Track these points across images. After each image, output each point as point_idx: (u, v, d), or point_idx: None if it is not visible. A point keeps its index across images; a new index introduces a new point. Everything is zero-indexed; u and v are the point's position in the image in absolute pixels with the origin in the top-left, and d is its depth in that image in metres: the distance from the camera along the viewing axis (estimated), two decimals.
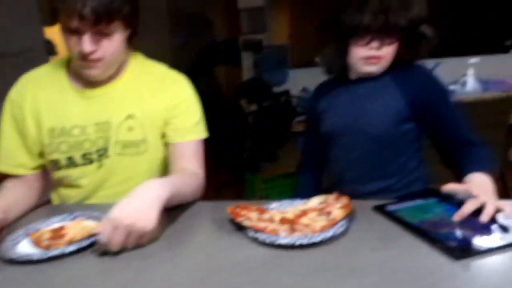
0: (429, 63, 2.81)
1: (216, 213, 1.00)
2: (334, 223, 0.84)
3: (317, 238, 0.79)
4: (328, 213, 0.87)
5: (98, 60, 1.00)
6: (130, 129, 1.10)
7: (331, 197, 0.94)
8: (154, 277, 0.73)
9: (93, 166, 1.11)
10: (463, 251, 0.71)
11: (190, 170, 1.09)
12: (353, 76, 1.18)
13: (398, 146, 1.13)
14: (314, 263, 0.74)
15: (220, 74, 5.53)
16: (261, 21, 4.22)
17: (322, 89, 1.28)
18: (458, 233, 0.78)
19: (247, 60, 4.17)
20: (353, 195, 0.94)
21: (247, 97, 3.16)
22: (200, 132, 1.16)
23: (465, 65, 2.50)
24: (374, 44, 1.03)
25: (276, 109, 3.07)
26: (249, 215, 0.90)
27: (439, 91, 1.10)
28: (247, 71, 4.24)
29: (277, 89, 3.37)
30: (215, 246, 0.84)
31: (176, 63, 4.95)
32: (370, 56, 1.05)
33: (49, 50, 4.23)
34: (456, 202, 0.86)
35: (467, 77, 2.39)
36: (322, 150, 1.27)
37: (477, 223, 0.79)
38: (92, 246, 0.84)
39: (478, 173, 0.93)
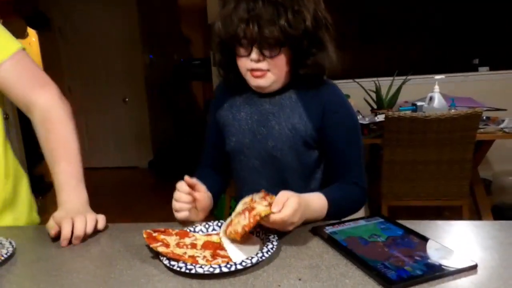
0: (397, 80, 2.85)
1: (138, 237, 0.87)
2: (256, 220, 0.74)
3: (239, 266, 0.68)
4: (252, 209, 0.76)
5: None
6: None
7: (257, 196, 0.82)
8: None
9: None
10: (400, 282, 0.61)
11: None
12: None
13: (300, 171, 1.05)
14: None
15: (197, 89, 5.47)
16: None
17: (226, 92, 1.14)
18: (393, 259, 0.68)
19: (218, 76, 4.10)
20: None
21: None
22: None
23: (433, 82, 2.48)
24: (253, 55, 0.93)
25: None
26: (167, 240, 0.78)
27: (348, 125, 1.02)
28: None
29: None
30: (121, 277, 0.72)
31: (148, 80, 4.89)
32: (253, 69, 0.96)
33: None
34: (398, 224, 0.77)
35: (434, 93, 2.36)
36: (222, 153, 1.15)
37: (410, 247, 0.70)
38: None
39: (321, 195, 0.90)
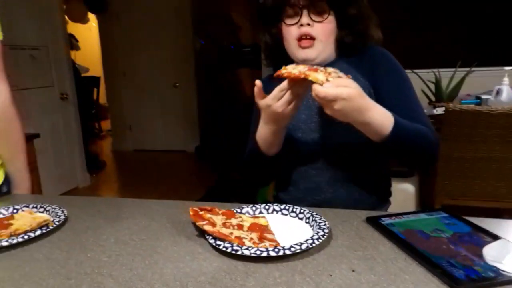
0: (460, 72, 2.65)
1: (185, 214, 0.86)
2: (302, 76, 0.74)
3: (288, 251, 0.64)
4: (311, 69, 0.75)
5: None
6: None
7: (329, 69, 0.76)
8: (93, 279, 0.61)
9: None
10: (468, 282, 0.54)
11: None
12: None
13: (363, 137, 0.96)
14: (276, 282, 0.59)
15: (245, 76, 5.47)
16: None
17: (272, 82, 1.11)
18: (460, 257, 0.61)
19: None
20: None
21: None
22: None
23: (500, 75, 2.27)
24: (304, 19, 0.94)
25: None
26: (214, 219, 0.76)
27: (399, 73, 0.98)
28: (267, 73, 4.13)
29: None
30: (166, 252, 0.70)
31: (198, 66, 4.95)
32: (302, 35, 0.94)
33: (71, 45, 4.30)
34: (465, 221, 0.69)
35: (502, 86, 2.16)
36: None
37: (480, 245, 0.62)
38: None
39: (388, 111, 0.81)
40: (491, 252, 0.61)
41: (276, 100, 0.82)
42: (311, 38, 0.94)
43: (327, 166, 1.00)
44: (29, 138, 2.49)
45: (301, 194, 1.03)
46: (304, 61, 0.97)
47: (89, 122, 5.33)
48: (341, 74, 0.76)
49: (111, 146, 5.72)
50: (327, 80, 0.73)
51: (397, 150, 0.86)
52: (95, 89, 6.19)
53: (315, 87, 0.72)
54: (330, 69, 0.76)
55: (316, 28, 0.95)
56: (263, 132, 0.92)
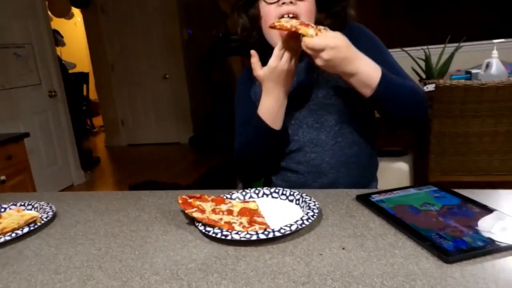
0: (449, 48, 2.63)
1: (175, 203, 0.86)
2: (293, 30, 0.78)
3: (278, 233, 0.64)
4: (302, 24, 0.79)
5: None
6: None
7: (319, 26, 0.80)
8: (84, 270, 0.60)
9: None
10: (458, 253, 0.54)
11: None
12: None
13: (354, 111, 0.99)
14: (266, 264, 0.58)
15: (236, 64, 5.42)
16: None
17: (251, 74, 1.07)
18: (449, 229, 0.61)
19: None
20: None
21: None
22: None
23: (489, 48, 2.26)
24: None
25: None
26: (203, 206, 0.75)
27: (378, 45, 0.97)
28: None
29: None
30: (156, 242, 0.70)
31: (187, 56, 4.87)
32: (284, 13, 0.90)
33: (57, 40, 4.23)
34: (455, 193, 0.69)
35: (492, 59, 2.15)
36: None
37: (469, 216, 0.62)
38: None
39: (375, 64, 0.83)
40: (484, 224, 0.61)
41: (279, 59, 0.85)
42: (294, 16, 0.91)
43: (326, 148, 0.98)
44: (19, 138, 2.46)
45: (303, 179, 1.00)
46: None
47: (80, 118, 5.28)
48: (330, 32, 0.80)
49: (104, 142, 5.68)
50: (316, 34, 0.77)
51: (387, 103, 0.86)
52: (85, 85, 6.12)
53: (305, 38, 0.77)
54: (321, 27, 0.80)
55: (299, 7, 0.91)
56: (267, 104, 0.91)
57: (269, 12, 0.92)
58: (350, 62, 0.79)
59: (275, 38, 0.93)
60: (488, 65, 2.15)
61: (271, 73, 0.86)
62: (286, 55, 0.84)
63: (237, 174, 1.06)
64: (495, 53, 2.16)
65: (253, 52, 0.87)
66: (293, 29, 0.78)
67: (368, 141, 1.01)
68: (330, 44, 0.76)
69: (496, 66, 2.14)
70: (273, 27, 0.82)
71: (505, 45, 2.98)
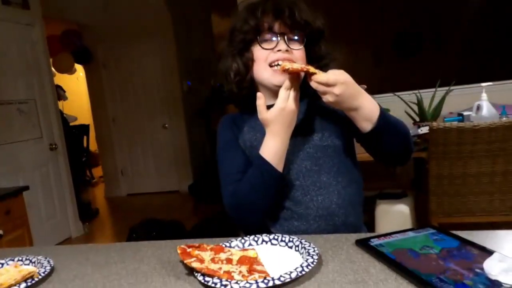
0: (440, 91, 2.72)
1: (174, 253, 0.85)
2: (304, 69, 0.84)
3: (278, 281, 0.63)
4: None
5: None
6: None
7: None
8: None
9: None
10: None
11: None
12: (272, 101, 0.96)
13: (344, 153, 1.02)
14: None
15: (232, 111, 5.52)
16: None
17: (237, 121, 1.09)
18: (449, 273, 0.60)
19: None
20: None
21: None
22: None
23: (478, 91, 2.34)
24: (282, 45, 0.95)
25: None
26: (202, 256, 0.75)
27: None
28: None
29: None
30: None
31: (187, 106, 4.97)
32: (280, 59, 0.94)
33: (59, 95, 4.35)
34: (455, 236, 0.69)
35: (482, 101, 2.21)
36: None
37: (468, 259, 0.62)
38: None
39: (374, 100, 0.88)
40: (487, 267, 0.60)
41: (286, 100, 0.88)
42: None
43: (330, 189, 0.97)
44: (19, 191, 2.46)
45: (315, 225, 0.95)
46: (279, 86, 0.93)
47: (80, 170, 5.29)
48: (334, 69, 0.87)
49: (103, 192, 5.65)
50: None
51: (384, 137, 0.89)
52: (85, 137, 6.19)
53: (316, 76, 0.82)
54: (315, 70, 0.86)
55: (294, 55, 0.96)
56: (273, 146, 0.90)
57: (263, 57, 0.97)
58: (356, 97, 0.84)
59: (271, 79, 0.96)
60: (479, 107, 2.21)
61: (279, 115, 0.88)
62: (292, 95, 0.88)
63: (234, 223, 1.01)
64: (484, 95, 2.23)
65: (259, 94, 0.89)
66: (305, 69, 0.83)
67: (360, 180, 1.04)
68: (340, 79, 0.81)
69: (486, 108, 2.19)
70: (286, 70, 0.86)
71: (493, 88, 3.08)
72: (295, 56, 0.96)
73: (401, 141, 0.93)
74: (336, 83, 0.81)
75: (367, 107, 0.86)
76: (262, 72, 0.98)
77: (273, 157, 0.90)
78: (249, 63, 1.00)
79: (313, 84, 0.83)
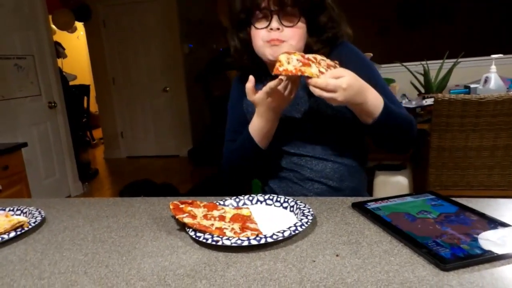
0: (448, 63, 2.65)
1: (167, 210, 0.84)
2: (298, 73, 0.76)
3: (270, 239, 0.62)
4: (306, 64, 0.77)
5: None
6: None
7: (327, 60, 0.82)
8: (82, 280, 0.58)
9: None
10: (455, 261, 0.52)
11: None
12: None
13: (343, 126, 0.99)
14: (257, 271, 0.56)
15: (233, 77, 5.44)
16: None
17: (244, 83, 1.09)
18: (446, 237, 0.59)
19: None
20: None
21: None
22: None
23: (487, 64, 2.27)
24: (274, 24, 0.91)
25: None
26: (194, 212, 0.73)
27: (368, 67, 0.97)
28: None
29: None
30: (145, 248, 0.68)
31: (188, 70, 4.89)
32: (272, 39, 0.92)
33: (58, 52, 4.26)
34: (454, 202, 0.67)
35: (490, 74, 2.15)
36: None
37: (466, 224, 0.60)
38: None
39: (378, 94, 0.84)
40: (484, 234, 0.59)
41: (274, 87, 0.85)
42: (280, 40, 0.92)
43: (329, 158, 0.98)
44: (17, 148, 2.45)
45: (308, 184, 0.99)
46: (273, 60, 0.93)
47: (80, 130, 5.27)
48: (328, 60, 0.82)
49: (103, 154, 5.66)
50: (319, 71, 0.76)
51: (383, 131, 0.88)
52: (85, 98, 6.14)
53: (314, 80, 0.76)
54: (318, 57, 0.80)
55: (285, 33, 0.92)
56: (258, 124, 0.93)
57: (259, 36, 0.94)
58: (360, 94, 0.80)
59: (269, 57, 0.94)
60: (486, 80, 2.15)
61: (264, 99, 0.88)
62: (283, 84, 0.84)
63: (221, 179, 1.09)
64: (493, 68, 2.17)
65: (251, 77, 0.88)
66: (299, 73, 0.76)
67: (363, 148, 1.03)
68: (342, 84, 0.75)
69: (494, 81, 2.14)
70: (278, 74, 0.79)
71: (503, 61, 3.00)
72: (287, 35, 0.92)
73: (401, 136, 0.92)
74: (337, 89, 0.75)
75: (370, 103, 0.82)
76: (259, 49, 0.96)
77: (257, 134, 0.95)
78: (246, 43, 0.99)
79: (311, 88, 0.77)
